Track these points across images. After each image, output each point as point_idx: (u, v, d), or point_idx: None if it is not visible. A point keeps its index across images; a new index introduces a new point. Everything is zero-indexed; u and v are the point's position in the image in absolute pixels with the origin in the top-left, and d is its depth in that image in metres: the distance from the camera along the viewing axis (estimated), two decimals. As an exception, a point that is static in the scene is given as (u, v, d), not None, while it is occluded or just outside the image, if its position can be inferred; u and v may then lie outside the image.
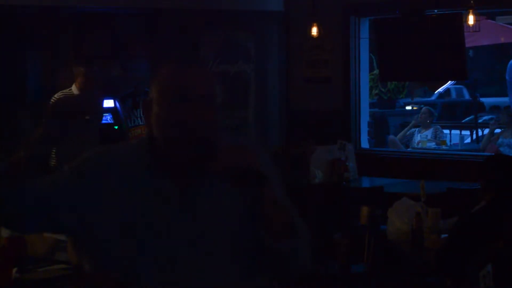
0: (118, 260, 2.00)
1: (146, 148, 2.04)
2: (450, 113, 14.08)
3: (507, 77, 9.46)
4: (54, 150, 6.85)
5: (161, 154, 2.01)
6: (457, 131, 12.18)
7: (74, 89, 6.95)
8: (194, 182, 2.02)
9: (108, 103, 8.60)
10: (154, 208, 2.00)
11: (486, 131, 10.57)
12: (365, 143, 8.66)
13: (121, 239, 1.99)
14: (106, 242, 2.00)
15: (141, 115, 9.17)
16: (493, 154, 7.68)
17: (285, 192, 2.11)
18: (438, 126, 10.19)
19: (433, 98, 14.89)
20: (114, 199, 2.01)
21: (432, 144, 9.61)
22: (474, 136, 12.07)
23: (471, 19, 7.11)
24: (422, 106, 11.37)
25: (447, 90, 14.79)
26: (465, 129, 12.59)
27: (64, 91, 7.00)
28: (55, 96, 6.90)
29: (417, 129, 10.07)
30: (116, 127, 8.61)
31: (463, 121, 13.38)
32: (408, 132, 10.32)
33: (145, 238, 1.99)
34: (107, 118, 8.60)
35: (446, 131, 11.15)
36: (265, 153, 2.16)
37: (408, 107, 13.35)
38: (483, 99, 14.12)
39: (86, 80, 6.91)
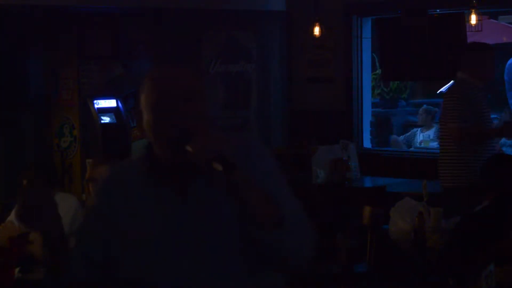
0: (130, 269, 2.11)
1: (145, 157, 2.17)
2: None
3: (505, 77, 9.46)
4: None
5: (156, 159, 2.13)
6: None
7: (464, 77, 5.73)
8: (188, 185, 2.11)
9: (110, 103, 8.61)
10: (156, 214, 2.10)
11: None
12: (367, 143, 8.65)
13: (132, 249, 2.11)
14: (122, 253, 2.12)
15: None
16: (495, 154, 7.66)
17: (281, 184, 2.16)
18: (441, 126, 10.16)
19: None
20: (124, 213, 2.14)
21: (435, 144, 9.59)
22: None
23: (473, 19, 7.11)
24: (424, 105, 11.31)
25: None
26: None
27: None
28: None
29: (419, 128, 10.06)
30: (118, 127, 8.62)
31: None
32: (410, 132, 10.31)
33: (151, 244, 2.09)
34: (109, 118, 8.61)
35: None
36: (258, 147, 2.22)
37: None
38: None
39: (486, 67, 5.71)
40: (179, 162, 2.08)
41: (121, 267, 2.12)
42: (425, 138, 9.78)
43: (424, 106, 10.45)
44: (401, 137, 10.23)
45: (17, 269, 4.05)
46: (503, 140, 9.18)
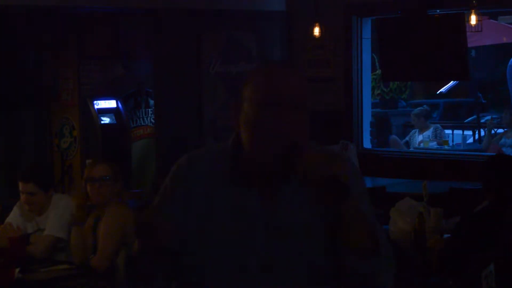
0: (195, 269, 1.99)
1: (231, 154, 2.00)
2: (452, 113, 14.07)
3: (508, 76, 9.47)
4: None
5: (246, 161, 1.98)
6: (460, 131, 12.17)
7: None
8: (277, 191, 1.96)
9: (110, 103, 8.62)
10: (234, 218, 1.97)
11: (488, 131, 10.55)
12: (367, 143, 8.65)
13: (201, 248, 1.98)
14: (191, 251, 1.99)
15: (144, 115, 9.19)
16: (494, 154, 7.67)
17: (371, 209, 2.04)
18: (438, 126, 10.17)
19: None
20: (198, 206, 1.99)
21: (434, 144, 9.60)
22: (477, 136, 12.06)
23: (473, 19, 7.10)
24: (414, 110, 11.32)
25: None
26: (468, 129, 12.57)
27: None
28: None
29: (417, 129, 10.06)
30: (118, 128, 8.63)
31: (465, 121, 13.37)
32: (411, 132, 10.31)
33: (222, 247, 1.96)
34: (109, 119, 8.61)
35: (449, 131, 11.13)
36: (353, 165, 2.11)
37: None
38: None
39: None
40: (272, 170, 1.93)
41: (189, 261, 2.00)
42: (424, 138, 9.78)
43: (414, 110, 10.41)
44: (407, 138, 10.23)
45: (17, 269, 4.04)
46: (503, 140, 9.18)
